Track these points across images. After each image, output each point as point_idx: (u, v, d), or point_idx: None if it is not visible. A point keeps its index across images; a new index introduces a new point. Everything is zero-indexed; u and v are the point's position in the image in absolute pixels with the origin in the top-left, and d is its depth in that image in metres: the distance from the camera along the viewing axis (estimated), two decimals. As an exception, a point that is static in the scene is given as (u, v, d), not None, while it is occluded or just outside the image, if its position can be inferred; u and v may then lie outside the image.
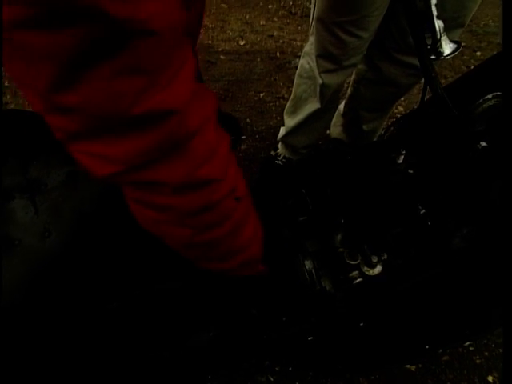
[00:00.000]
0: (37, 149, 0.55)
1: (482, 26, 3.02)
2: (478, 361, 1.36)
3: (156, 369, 0.79)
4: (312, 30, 1.27)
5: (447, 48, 0.92)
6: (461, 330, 0.99)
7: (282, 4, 2.66)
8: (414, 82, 1.37)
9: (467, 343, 1.40)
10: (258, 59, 2.30)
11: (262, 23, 2.53)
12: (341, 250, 0.95)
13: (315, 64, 1.27)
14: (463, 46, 2.84)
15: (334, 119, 1.76)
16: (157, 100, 0.34)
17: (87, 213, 0.50)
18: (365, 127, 1.57)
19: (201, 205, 0.45)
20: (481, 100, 0.89)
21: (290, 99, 1.52)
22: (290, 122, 1.55)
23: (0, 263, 0.44)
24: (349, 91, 1.57)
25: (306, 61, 1.34)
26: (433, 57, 0.91)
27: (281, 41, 2.43)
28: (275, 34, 2.48)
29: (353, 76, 1.52)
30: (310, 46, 1.31)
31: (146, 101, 0.34)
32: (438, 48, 0.91)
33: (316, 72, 1.28)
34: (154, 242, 0.54)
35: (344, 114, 1.65)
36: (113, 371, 0.76)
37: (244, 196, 0.53)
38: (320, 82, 1.28)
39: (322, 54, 1.22)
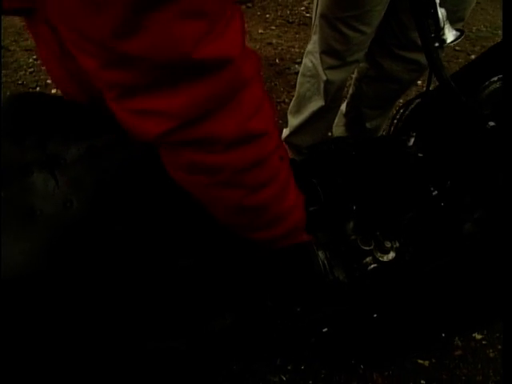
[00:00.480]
0: (56, 127, 0.55)
1: (474, 31, 3.08)
2: (491, 354, 1.34)
3: (170, 358, 0.77)
4: (314, 28, 1.29)
5: (450, 35, 0.93)
6: (477, 316, 0.98)
7: (279, 13, 2.72)
8: (416, 77, 1.39)
9: (480, 337, 1.39)
10: (258, 66, 2.33)
11: (260, 31, 2.57)
12: (353, 237, 0.94)
13: (319, 61, 1.29)
14: (457, 50, 2.89)
15: (337, 120, 1.77)
16: (215, 46, 0.35)
17: (109, 183, 0.50)
18: (368, 125, 1.58)
19: (252, 160, 0.46)
20: (486, 83, 0.90)
21: (294, 99, 1.53)
22: (293, 121, 1.56)
23: (22, 233, 0.44)
24: (351, 90, 1.59)
25: (309, 59, 1.36)
26: (436, 44, 0.92)
27: (279, 48, 2.47)
28: (274, 41, 2.52)
29: (354, 74, 1.54)
30: (312, 45, 1.33)
31: (206, 46, 0.35)
32: (442, 35, 0.93)
33: (320, 69, 1.29)
34: (179, 214, 0.54)
35: (346, 114, 1.67)
36: (122, 361, 0.74)
37: (286, 157, 0.53)
38: (324, 78, 1.29)
39: (326, 51, 1.24)
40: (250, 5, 2.77)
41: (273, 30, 2.61)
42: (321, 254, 1.00)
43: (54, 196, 0.48)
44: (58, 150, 0.52)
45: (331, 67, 1.27)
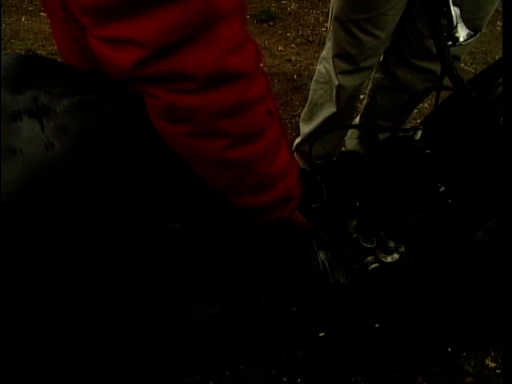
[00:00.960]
0: (51, 83, 0.55)
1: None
2: (505, 384, 1.24)
3: (153, 347, 0.74)
4: (329, 34, 1.30)
5: (463, 34, 0.92)
6: (486, 331, 0.91)
7: (300, 33, 2.77)
8: (431, 88, 1.37)
9: (493, 365, 1.29)
10: (276, 80, 2.35)
11: (280, 49, 2.61)
12: (355, 235, 0.90)
13: (332, 66, 1.28)
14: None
15: (349, 133, 1.75)
16: None
17: (94, 132, 0.49)
18: (381, 137, 1.56)
19: (230, 104, 0.44)
20: (497, 82, 0.87)
21: (306, 106, 1.53)
22: (305, 128, 1.55)
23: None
24: (365, 101, 1.58)
25: (323, 66, 1.36)
26: (449, 43, 0.91)
27: (298, 65, 2.49)
28: (293, 58, 2.55)
29: (369, 86, 1.52)
30: (326, 51, 1.33)
31: None
32: (455, 34, 0.91)
33: (333, 74, 1.29)
34: (163, 170, 0.52)
35: (360, 123, 1.65)
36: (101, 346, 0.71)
37: (275, 114, 0.51)
38: (336, 83, 1.28)
39: (339, 54, 1.23)
40: (271, 23, 2.83)
41: (293, 47, 2.65)
42: (321, 255, 0.96)
43: (37, 139, 0.47)
44: (50, 102, 0.52)
45: (344, 72, 1.26)
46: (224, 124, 0.45)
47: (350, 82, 1.28)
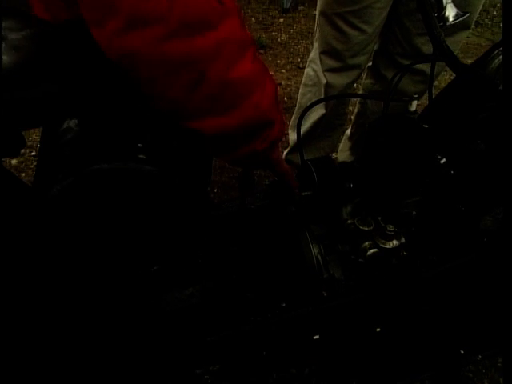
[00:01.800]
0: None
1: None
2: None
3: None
4: (316, 34, 1.28)
5: (452, 14, 0.89)
6: (504, 329, 0.80)
7: (290, 60, 2.81)
8: (422, 90, 1.34)
9: None
10: (266, 103, 2.35)
11: (270, 74, 2.63)
12: (350, 221, 0.82)
13: (319, 64, 1.25)
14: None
15: (341, 145, 1.71)
16: None
17: (45, 51, 0.42)
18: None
19: None
20: (493, 53, 0.83)
21: (295, 111, 1.49)
22: (294, 135, 1.50)
23: None
24: (356, 109, 1.54)
25: (311, 68, 1.34)
26: (440, 24, 0.88)
27: (288, 89, 2.50)
28: (283, 83, 2.56)
29: (360, 92, 1.50)
30: (314, 51, 1.31)
31: None
32: (444, 14, 0.89)
33: (320, 72, 1.25)
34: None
35: (351, 136, 1.60)
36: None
37: (232, 8, 0.44)
38: (324, 81, 1.25)
39: (326, 51, 1.21)
40: (262, 51, 2.88)
41: (283, 73, 2.67)
42: (315, 248, 0.87)
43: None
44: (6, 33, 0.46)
45: (331, 69, 1.23)
46: (152, 5, 0.38)
47: (337, 80, 1.24)
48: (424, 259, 0.83)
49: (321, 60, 1.23)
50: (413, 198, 0.80)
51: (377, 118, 0.82)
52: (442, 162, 0.71)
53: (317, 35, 1.25)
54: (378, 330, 0.88)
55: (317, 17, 1.20)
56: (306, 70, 1.38)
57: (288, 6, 3.38)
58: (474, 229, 0.82)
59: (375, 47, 1.30)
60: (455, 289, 0.82)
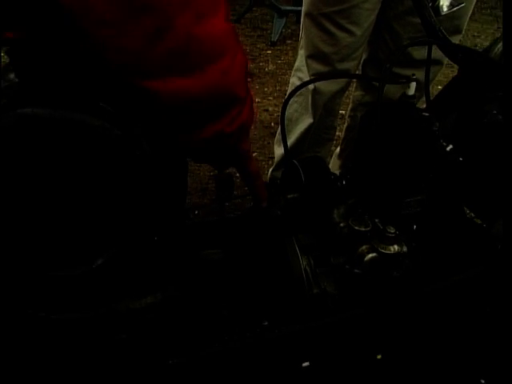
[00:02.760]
0: None
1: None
2: None
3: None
4: (301, 42, 1.22)
5: (446, 3, 0.83)
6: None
7: (277, 88, 2.79)
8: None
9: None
10: (252, 127, 2.29)
11: (257, 100, 2.59)
12: (342, 224, 0.70)
13: (305, 70, 1.18)
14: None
15: (331, 164, 1.62)
16: None
17: None
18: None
19: None
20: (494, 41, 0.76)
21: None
22: (279, 150, 1.41)
23: None
24: (346, 123, 1.47)
25: (297, 77, 1.27)
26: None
27: (275, 114, 2.45)
28: (270, 109, 2.52)
29: (349, 105, 1.43)
30: (299, 60, 1.24)
31: None
32: (438, 4, 0.83)
33: (307, 78, 1.18)
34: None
35: (341, 152, 1.52)
36: None
37: None
38: (311, 87, 1.17)
39: (313, 54, 1.14)
40: (249, 80, 2.85)
41: (270, 100, 2.64)
42: (303, 260, 0.74)
43: None
44: None
45: (318, 74, 1.16)
46: None
47: (325, 86, 1.17)
48: (429, 269, 0.71)
49: (307, 64, 1.16)
50: (415, 196, 0.69)
51: (370, 107, 0.73)
52: (448, 148, 0.61)
53: (302, 40, 1.19)
54: (379, 356, 0.75)
55: (302, 19, 1.14)
56: (292, 80, 1.31)
57: (276, 39, 3.43)
58: (487, 233, 0.72)
59: (364, 56, 1.25)
60: (470, 305, 0.70)
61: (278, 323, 0.64)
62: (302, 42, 1.21)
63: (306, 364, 0.67)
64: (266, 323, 0.64)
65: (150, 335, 0.52)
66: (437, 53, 1.12)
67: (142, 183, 0.46)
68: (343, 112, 1.76)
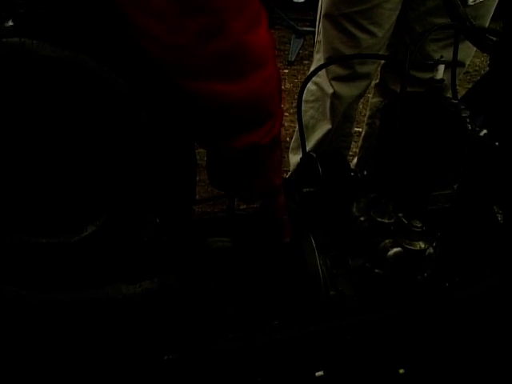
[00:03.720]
0: None
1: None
2: None
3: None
4: (317, 46, 1.19)
5: (472, -5, 0.80)
6: None
7: (293, 105, 2.78)
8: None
9: None
10: (268, 141, 2.28)
11: (273, 115, 2.61)
12: (363, 218, 0.64)
13: (324, 74, 1.15)
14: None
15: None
16: None
17: None
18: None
19: None
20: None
21: (295, 133, 1.36)
22: (294, 158, 1.36)
23: None
24: (363, 132, 1.42)
25: (313, 82, 1.23)
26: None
27: (291, 130, 2.42)
28: (286, 124, 2.50)
29: (367, 113, 1.38)
30: (315, 63, 1.21)
31: None
32: (464, -4, 0.80)
33: (326, 82, 1.14)
34: None
35: (358, 162, 1.46)
36: None
37: None
38: (330, 91, 1.13)
39: (332, 57, 1.10)
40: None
41: (286, 116, 2.63)
42: (320, 259, 0.68)
43: None
44: None
45: (338, 77, 1.12)
46: None
47: (345, 90, 1.13)
48: (457, 272, 0.64)
49: (326, 68, 1.12)
50: (443, 190, 0.63)
51: (393, 96, 0.68)
52: (481, 134, 0.56)
53: (318, 44, 1.16)
54: (402, 371, 0.67)
55: (319, 21, 1.11)
56: (307, 86, 1.27)
57: (293, 59, 3.45)
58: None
59: (382, 61, 1.21)
60: (505, 314, 0.63)
61: (289, 324, 0.58)
62: (318, 46, 1.18)
63: (319, 373, 0.60)
64: (277, 323, 0.58)
65: (144, 326, 0.47)
66: (460, 54, 1.08)
67: (140, 149, 0.42)
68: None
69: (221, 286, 0.61)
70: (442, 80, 0.62)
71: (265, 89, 0.46)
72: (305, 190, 0.70)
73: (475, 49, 1.18)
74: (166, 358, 0.46)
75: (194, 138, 0.52)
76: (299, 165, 0.74)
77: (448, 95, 0.76)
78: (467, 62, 1.12)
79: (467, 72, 2.21)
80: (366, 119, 1.39)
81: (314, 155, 0.71)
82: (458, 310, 0.65)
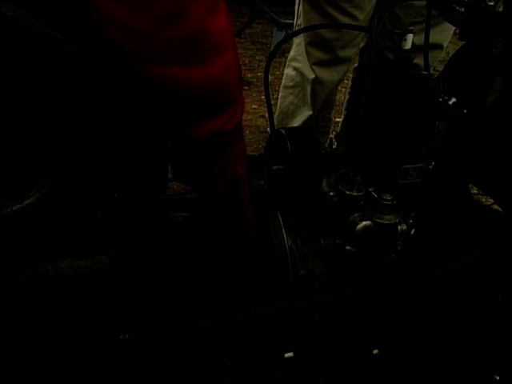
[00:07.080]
0: None
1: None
2: None
3: None
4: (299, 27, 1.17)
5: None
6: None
7: (274, 96, 2.75)
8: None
9: None
10: (247, 131, 2.27)
11: (254, 107, 2.56)
12: (332, 193, 0.62)
13: (304, 59, 1.12)
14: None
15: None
16: None
17: None
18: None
19: None
20: None
21: (275, 118, 1.34)
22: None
23: None
24: (342, 117, 1.40)
25: (292, 67, 1.20)
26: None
27: (272, 121, 2.44)
28: (266, 115, 2.49)
29: (346, 97, 1.36)
30: (295, 49, 1.19)
31: None
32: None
33: (306, 67, 1.11)
34: None
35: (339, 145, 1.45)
36: None
37: None
38: (312, 76, 1.10)
39: (314, 41, 1.08)
40: (246, 88, 2.84)
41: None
42: (288, 238, 0.66)
43: None
44: None
45: (320, 62, 1.09)
46: None
47: (326, 75, 1.10)
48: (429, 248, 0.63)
49: (307, 52, 1.10)
50: (414, 163, 0.61)
51: (363, 68, 0.66)
52: (450, 102, 0.54)
53: (299, 27, 1.14)
54: (376, 351, 0.65)
55: (299, 4, 1.09)
56: (286, 71, 1.25)
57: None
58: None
59: (362, 43, 1.19)
60: (480, 292, 0.61)
61: (256, 304, 0.55)
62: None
63: (289, 354, 0.57)
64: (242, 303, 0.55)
65: (98, 303, 0.44)
66: (437, 36, 1.07)
67: (85, 112, 0.39)
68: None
69: (186, 265, 0.58)
70: (410, 50, 0.60)
71: (226, 74, 0.45)
72: (274, 167, 0.68)
73: (452, 31, 1.18)
74: (121, 337, 0.44)
75: (157, 127, 0.50)
76: (268, 142, 0.72)
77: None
78: (445, 45, 1.12)
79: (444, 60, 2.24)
80: (344, 103, 1.37)
81: (283, 132, 0.69)
82: (432, 288, 0.63)
